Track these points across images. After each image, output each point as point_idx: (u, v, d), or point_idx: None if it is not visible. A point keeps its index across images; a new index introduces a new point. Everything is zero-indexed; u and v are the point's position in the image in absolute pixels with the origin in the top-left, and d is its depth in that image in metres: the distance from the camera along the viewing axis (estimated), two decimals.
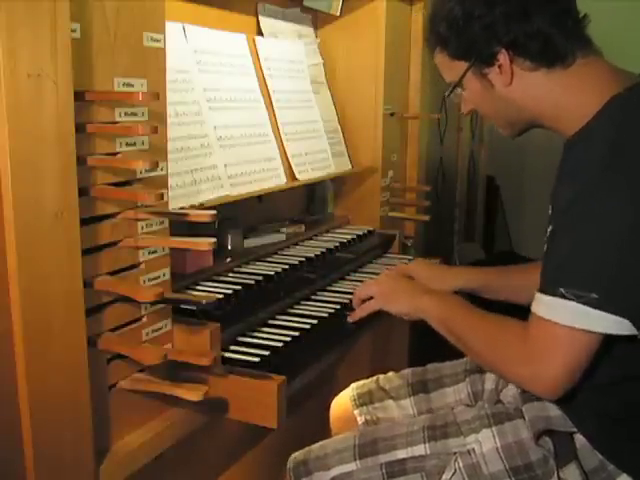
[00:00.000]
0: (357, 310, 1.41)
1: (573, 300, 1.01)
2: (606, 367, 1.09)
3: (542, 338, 1.05)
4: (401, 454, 1.23)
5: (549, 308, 1.04)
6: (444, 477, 1.18)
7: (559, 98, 1.15)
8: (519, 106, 1.19)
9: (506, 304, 1.47)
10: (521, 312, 1.16)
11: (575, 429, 1.16)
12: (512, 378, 1.16)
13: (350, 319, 1.42)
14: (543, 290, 1.06)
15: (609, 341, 1.05)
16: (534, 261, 1.31)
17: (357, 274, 1.82)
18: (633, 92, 1.09)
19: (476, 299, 1.40)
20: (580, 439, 1.16)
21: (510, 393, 1.27)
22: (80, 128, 0.97)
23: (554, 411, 1.17)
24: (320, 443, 1.32)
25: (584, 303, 1.00)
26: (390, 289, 1.37)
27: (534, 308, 1.08)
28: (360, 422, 1.47)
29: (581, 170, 1.06)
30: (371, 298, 1.39)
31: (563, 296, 1.02)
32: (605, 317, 1.00)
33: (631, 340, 1.04)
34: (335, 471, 1.25)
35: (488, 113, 1.28)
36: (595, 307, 1.00)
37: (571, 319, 1.02)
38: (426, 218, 2.25)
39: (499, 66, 1.15)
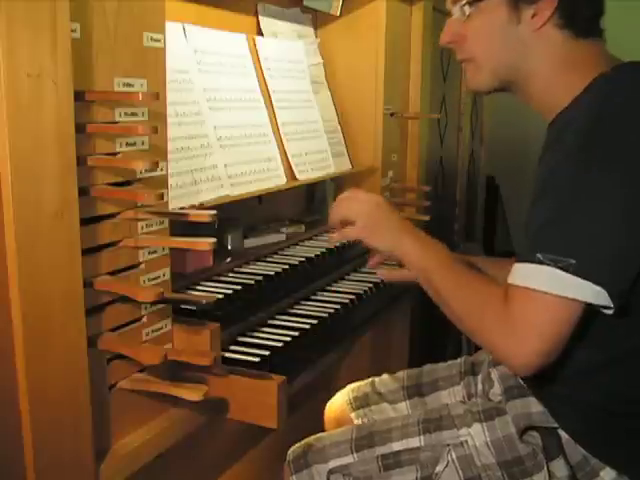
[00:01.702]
0: (337, 234, 1.29)
1: (550, 265, 0.97)
2: (583, 354, 1.08)
3: (519, 306, 1.01)
4: (396, 446, 1.24)
5: (526, 275, 1.00)
6: (438, 468, 1.19)
7: (561, 68, 1.14)
8: (524, 57, 1.15)
9: None
10: None
11: (557, 425, 1.16)
12: (487, 346, 1.09)
13: (328, 243, 1.32)
14: (520, 259, 1.03)
15: (586, 324, 1.03)
16: None
17: (357, 274, 1.82)
18: (618, 70, 1.09)
19: None
20: (564, 434, 1.17)
21: (497, 391, 1.28)
22: (80, 128, 0.97)
23: (536, 407, 1.18)
24: (318, 435, 1.33)
25: (561, 268, 0.97)
26: (373, 221, 1.24)
27: (510, 279, 1.03)
28: (356, 424, 1.47)
29: (561, 140, 1.04)
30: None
31: (540, 261, 0.98)
32: (582, 284, 0.96)
33: (607, 323, 1.03)
34: (333, 463, 1.26)
35: (482, 50, 1.18)
36: (572, 273, 0.96)
37: (548, 284, 0.98)
38: (426, 218, 2.24)
39: (536, 8, 1.11)
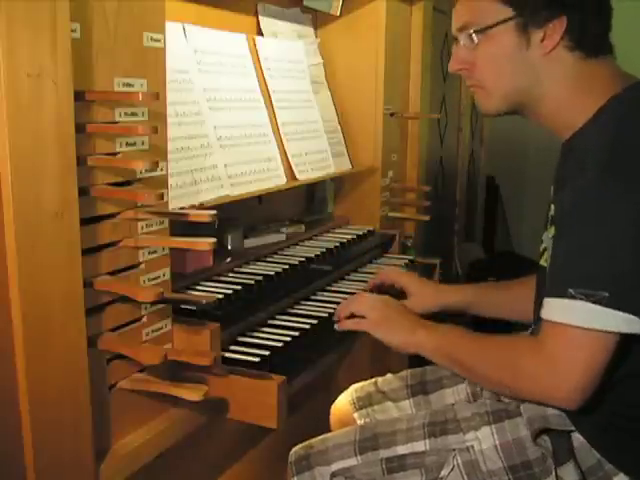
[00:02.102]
0: (346, 323, 1.34)
1: (583, 299, 0.99)
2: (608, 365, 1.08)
3: (557, 344, 1.02)
4: (401, 450, 1.23)
5: (559, 311, 1.02)
6: (443, 473, 1.18)
7: (573, 89, 1.14)
8: (534, 81, 1.15)
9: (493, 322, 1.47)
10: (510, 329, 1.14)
11: (573, 428, 1.16)
12: (529, 394, 1.11)
13: (338, 327, 1.36)
14: (551, 294, 1.04)
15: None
16: (534, 260, 1.31)
17: (357, 274, 1.82)
18: (631, 91, 1.10)
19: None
20: (578, 438, 1.16)
21: None
22: (80, 128, 0.97)
23: (552, 410, 1.17)
24: (321, 437, 1.32)
25: (594, 302, 0.98)
26: (383, 317, 1.30)
27: (544, 314, 1.05)
28: (360, 425, 1.47)
29: (581, 171, 1.05)
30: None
31: (573, 297, 0.99)
32: (616, 315, 0.98)
33: (631, 338, 1.03)
34: (336, 466, 1.25)
35: (493, 78, 1.17)
36: (606, 305, 0.98)
37: (583, 319, 0.99)
38: (426, 218, 2.25)
39: (545, 32, 1.11)
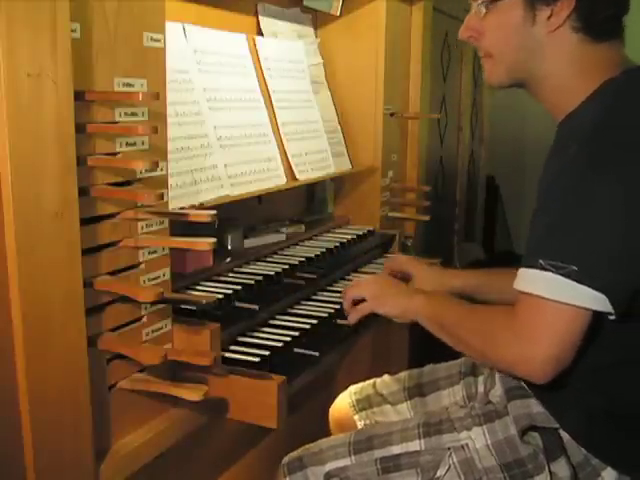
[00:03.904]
0: (352, 313, 1.39)
1: (552, 271, 0.99)
2: (588, 357, 1.08)
3: (526, 314, 1.04)
4: (396, 449, 1.23)
5: (529, 281, 1.03)
6: (439, 473, 1.19)
7: (574, 70, 1.13)
8: (539, 57, 1.15)
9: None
10: None
11: (558, 425, 1.16)
12: (502, 364, 1.12)
13: (347, 322, 1.40)
14: (524, 264, 1.05)
15: (591, 327, 1.03)
16: None
17: (357, 274, 1.82)
18: (627, 76, 1.09)
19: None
20: (565, 434, 1.17)
21: (497, 393, 1.28)
22: (80, 128, 0.97)
23: (537, 408, 1.18)
24: (315, 442, 1.32)
25: (562, 274, 0.99)
26: (380, 291, 1.35)
27: (516, 284, 1.06)
28: (360, 427, 1.47)
29: (567, 147, 1.05)
30: (363, 300, 1.37)
31: (543, 267, 1.00)
32: (583, 290, 0.98)
33: (611, 326, 1.04)
34: (330, 466, 1.25)
35: (498, 48, 1.18)
36: (574, 279, 0.98)
37: (550, 291, 1.00)
38: (426, 218, 2.24)
39: (553, 10, 1.11)
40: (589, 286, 0.98)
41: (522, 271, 1.05)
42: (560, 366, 1.03)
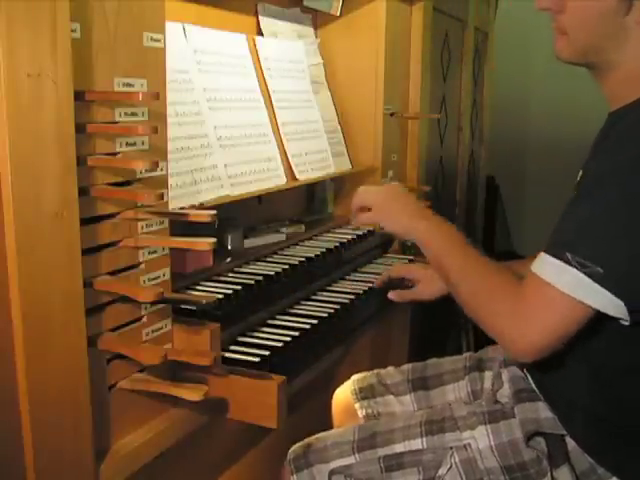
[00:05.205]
0: (355, 219, 1.38)
1: (577, 268, 0.98)
2: (600, 363, 1.08)
3: (537, 299, 1.02)
4: (399, 448, 1.23)
5: (551, 270, 1.01)
6: (440, 472, 1.19)
7: None
8: (620, 46, 1.11)
9: None
10: None
11: (565, 432, 1.16)
12: (490, 330, 1.10)
13: (353, 223, 1.43)
14: (549, 251, 1.03)
15: (603, 333, 1.04)
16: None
17: (357, 274, 1.82)
18: None
19: None
20: (571, 442, 1.16)
21: (506, 393, 1.28)
22: (80, 128, 0.97)
23: (545, 413, 1.17)
24: (319, 435, 1.33)
25: (587, 274, 0.97)
26: (389, 204, 1.32)
27: (535, 267, 1.04)
28: (361, 416, 1.47)
29: (623, 144, 1.03)
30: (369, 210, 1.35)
31: (568, 262, 0.99)
32: (604, 294, 0.97)
33: (623, 332, 1.03)
34: (334, 464, 1.26)
35: (577, 31, 1.13)
36: (597, 281, 0.97)
37: (570, 287, 0.99)
38: None
39: None
40: (610, 290, 0.97)
41: (545, 258, 1.03)
42: (543, 354, 1.03)
